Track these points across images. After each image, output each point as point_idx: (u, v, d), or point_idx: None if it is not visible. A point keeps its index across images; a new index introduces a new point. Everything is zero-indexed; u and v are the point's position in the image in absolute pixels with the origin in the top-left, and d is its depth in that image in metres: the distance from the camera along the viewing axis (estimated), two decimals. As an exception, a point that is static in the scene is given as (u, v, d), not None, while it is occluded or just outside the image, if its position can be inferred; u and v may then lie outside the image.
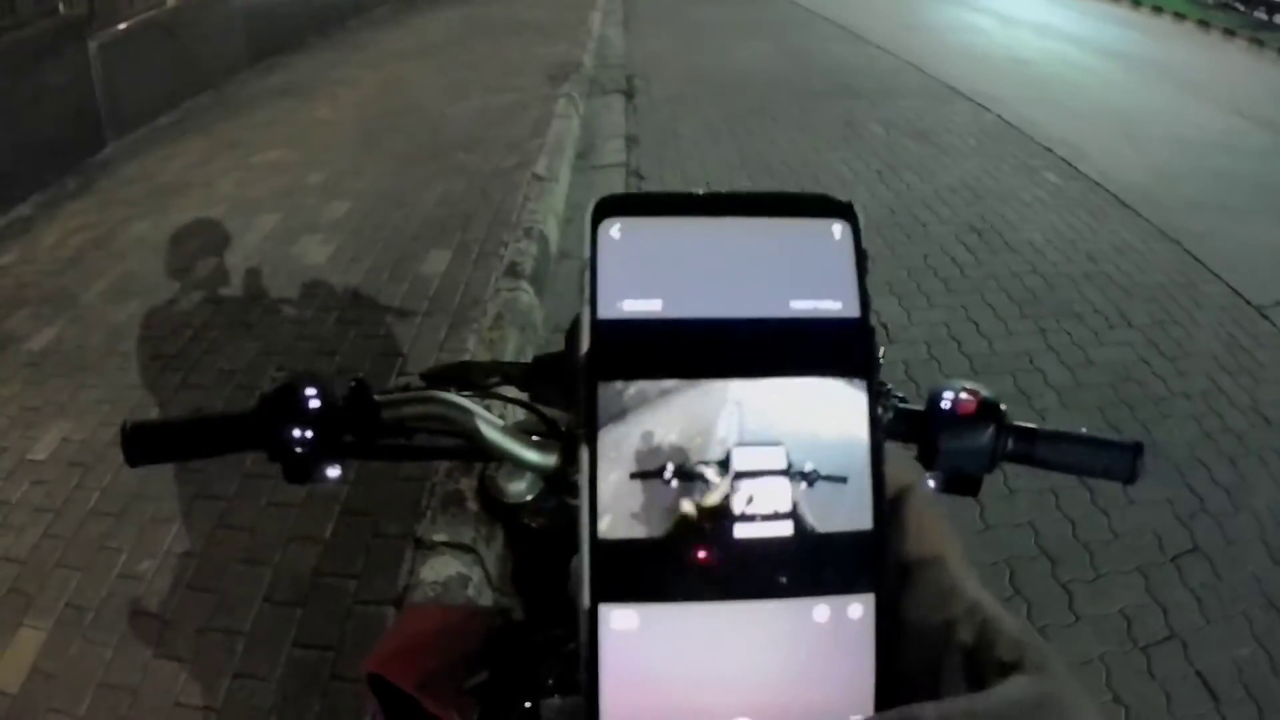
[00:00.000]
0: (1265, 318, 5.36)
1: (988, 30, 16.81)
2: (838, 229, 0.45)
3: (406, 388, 1.08)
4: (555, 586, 1.10)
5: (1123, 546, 3.28)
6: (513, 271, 4.32)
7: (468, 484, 2.78)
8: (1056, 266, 5.65)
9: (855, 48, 13.14)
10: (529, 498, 1.18)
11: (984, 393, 1.00)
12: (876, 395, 0.43)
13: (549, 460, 1.10)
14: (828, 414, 0.42)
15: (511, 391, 1.20)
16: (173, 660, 2.51)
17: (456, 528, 2.66)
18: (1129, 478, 1.04)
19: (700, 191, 0.46)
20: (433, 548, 2.59)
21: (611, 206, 0.46)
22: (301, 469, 0.98)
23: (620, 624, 0.38)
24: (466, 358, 3.46)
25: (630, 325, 0.42)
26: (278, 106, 8.42)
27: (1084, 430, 1.06)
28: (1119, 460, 1.04)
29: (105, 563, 2.81)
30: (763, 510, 0.40)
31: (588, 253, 0.43)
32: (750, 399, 0.41)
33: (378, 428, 1.03)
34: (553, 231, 5.14)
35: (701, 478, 0.40)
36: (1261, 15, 24.50)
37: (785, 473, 0.40)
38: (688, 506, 0.39)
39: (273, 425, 0.97)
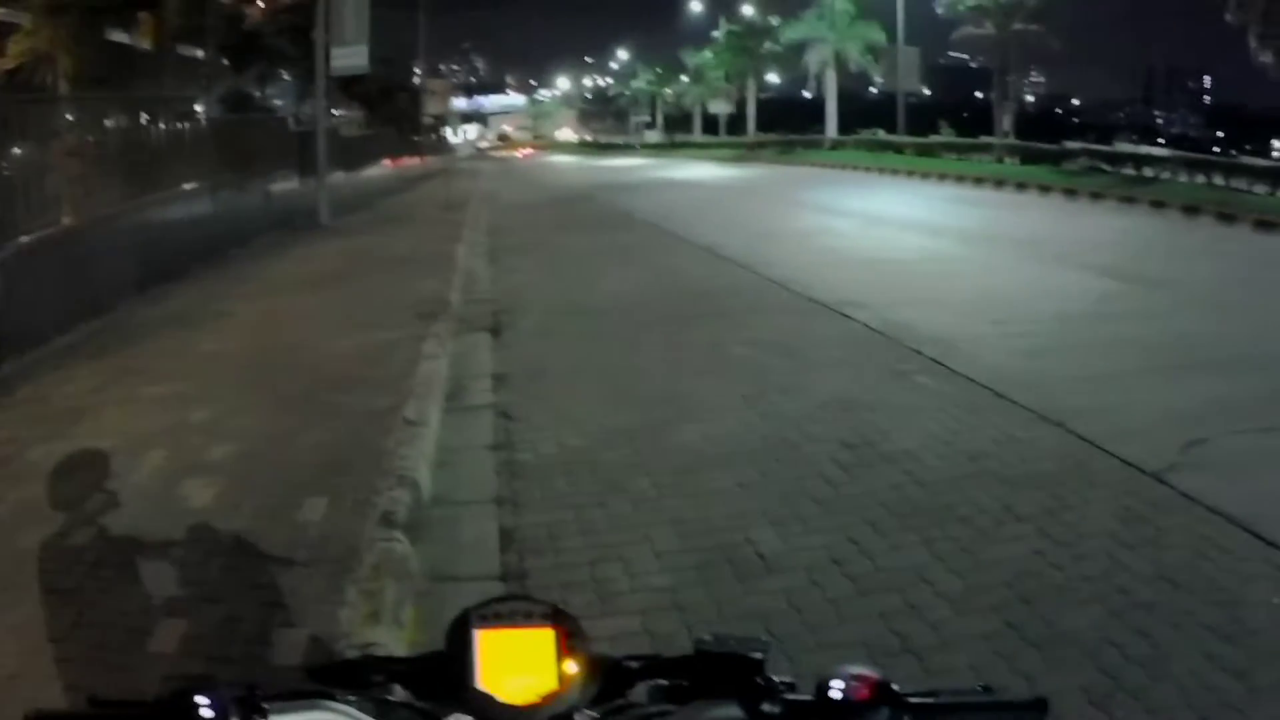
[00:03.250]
0: (1163, 482, 5.41)
1: (849, 233, 17.30)
2: None
3: (294, 694, 1.12)
4: None
5: (1041, 748, 3.39)
6: (387, 521, 4.71)
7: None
8: (936, 472, 5.65)
9: (719, 268, 13.76)
10: None
11: (875, 674, 1.00)
12: None
13: None
14: None
15: (399, 691, 1.21)
16: None
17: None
18: None
19: None
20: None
21: None
22: None
23: None
24: (346, 609, 3.85)
25: None
26: (166, 337, 8.89)
27: (981, 688, 1.12)
28: None
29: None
30: None
31: None
32: None
33: None
34: (424, 477, 5.56)
35: None
36: (1129, 171, 26.41)
37: None
38: None
39: None
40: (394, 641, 3.68)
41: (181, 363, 7.93)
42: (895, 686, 1.00)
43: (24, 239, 8.44)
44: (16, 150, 9.26)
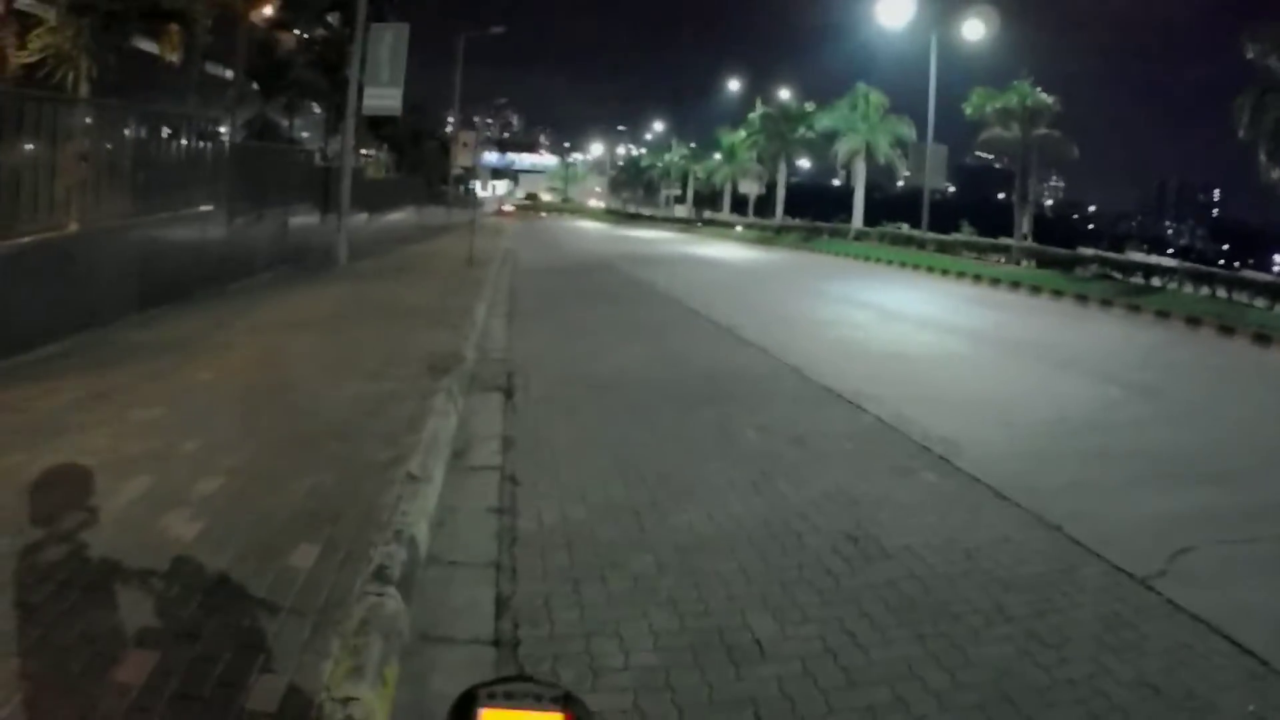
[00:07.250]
0: (1150, 589, 5.49)
1: (866, 325, 17.46)
2: None
3: None
4: None
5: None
6: (380, 575, 4.48)
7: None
8: (933, 568, 5.67)
9: (734, 349, 13.68)
10: None
11: None
12: None
13: None
14: None
15: None
16: None
17: None
18: None
19: None
20: None
21: None
22: None
23: None
24: (329, 662, 3.66)
25: None
26: (162, 361, 8.74)
27: None
28: None
29: None
30: None
31: None
32: None
33: None
34: (423, 534, 5.35)
35: None
36: (1139, 280, 26.57)
37: None
38: None
39: None
40: (373, 699, 3.47)
41: (175, 389, 7.77)
42: None
43: (23, 239, 8.29)
44: (27, 147, 9.15)
